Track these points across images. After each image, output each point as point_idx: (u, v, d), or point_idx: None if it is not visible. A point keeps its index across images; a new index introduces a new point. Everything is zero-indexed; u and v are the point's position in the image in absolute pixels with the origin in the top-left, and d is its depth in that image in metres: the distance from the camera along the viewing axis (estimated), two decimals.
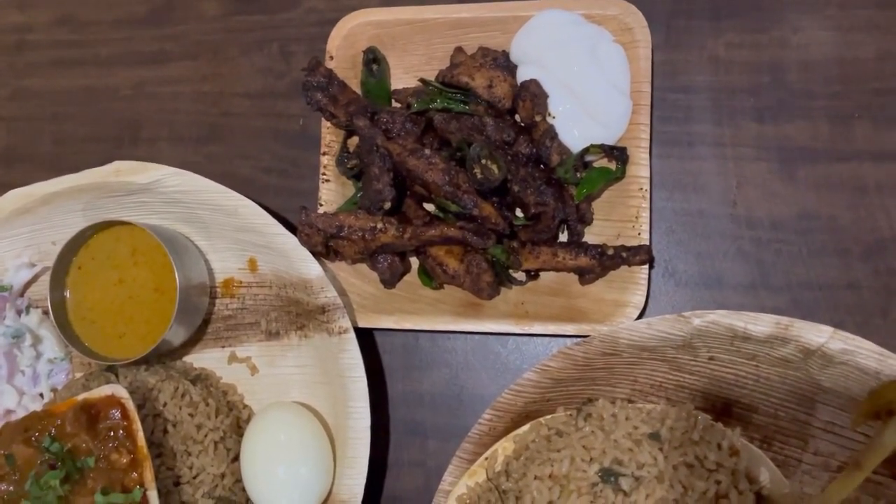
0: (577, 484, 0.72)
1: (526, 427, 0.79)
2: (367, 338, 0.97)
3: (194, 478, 0.90)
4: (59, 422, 0.88)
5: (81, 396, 0.88)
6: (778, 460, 0.85)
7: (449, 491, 0.81)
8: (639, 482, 0.71)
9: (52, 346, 1.04)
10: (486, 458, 0.79)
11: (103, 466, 0.85)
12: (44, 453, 0.86)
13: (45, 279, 1.02)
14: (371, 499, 0.95)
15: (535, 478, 0.73)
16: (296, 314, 0.97)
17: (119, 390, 0.87)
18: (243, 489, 0.91)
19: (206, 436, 0.92)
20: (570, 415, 0.78)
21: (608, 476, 0.71)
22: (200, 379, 0.98)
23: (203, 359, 1.02)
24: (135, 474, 0.85)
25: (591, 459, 0.73)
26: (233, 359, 1.00)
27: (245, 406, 0.99)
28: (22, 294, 1.05)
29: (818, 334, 0.81)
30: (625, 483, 0.71)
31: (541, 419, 0.79)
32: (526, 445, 0.77)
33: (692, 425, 0.75)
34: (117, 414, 0.87)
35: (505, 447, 0.78)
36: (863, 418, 0.74)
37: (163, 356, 1.00)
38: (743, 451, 0.76)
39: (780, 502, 0.74)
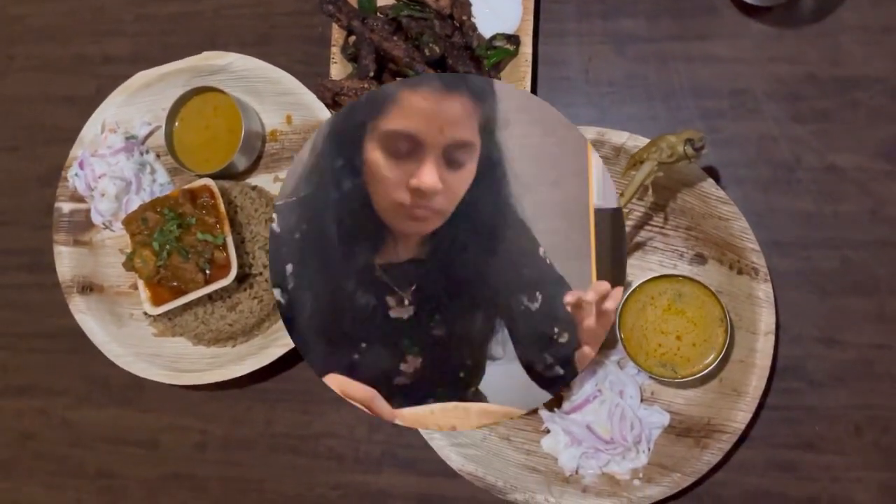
0: None
1: None
2: None
3: (252, 238, 1.40)
4: (172, 201, 1.37)
5: (187, 186, 1.41)
6: None
7: None
8: None
9: (162, 174, 1.52)
10: None
11: (200, 223, 1.36)
12: (164, 216, 1.37)
13: (159, 133, 1.51)
14: None
15: None
16: None
17: (209, 181, 1.37)
18: None
19: (260, 215, 1.40)
20: None
21: None
22: (256, 189, 1.49)
23: (257, 180, 1.47)
24: (219, 227, 1.36)
25: None
26: (276, 179, 1.47)
27: None
28: (143, 143, 1.54)
29: (620, 137, 1.29)
30: None
31: None
32: None
33: None
34: (207, 195, 1.39)
35: None
36: (626, 170, 1.24)
37: (232, 177, 1.49)
38: None
39: None
